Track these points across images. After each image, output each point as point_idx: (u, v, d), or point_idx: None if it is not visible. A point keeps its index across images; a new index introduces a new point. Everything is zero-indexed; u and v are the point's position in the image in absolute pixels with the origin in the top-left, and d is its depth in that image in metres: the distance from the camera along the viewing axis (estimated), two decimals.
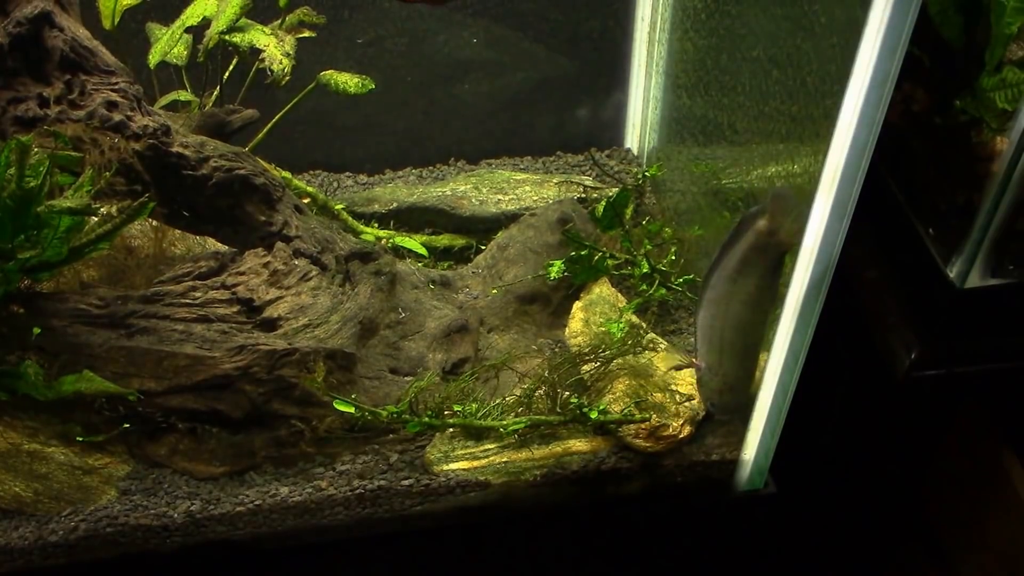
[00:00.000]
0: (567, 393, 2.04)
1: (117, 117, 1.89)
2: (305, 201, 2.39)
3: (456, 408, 2.02)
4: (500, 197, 2.56)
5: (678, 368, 2.03)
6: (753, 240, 1.64)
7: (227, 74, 2.35)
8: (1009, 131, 1.75)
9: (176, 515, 1.94)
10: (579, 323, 2.27)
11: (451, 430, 2.04)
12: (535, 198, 2.56)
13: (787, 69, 1.75)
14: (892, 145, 1.96)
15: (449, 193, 2.58)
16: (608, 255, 2.30)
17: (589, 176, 2.70)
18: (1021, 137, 1.71)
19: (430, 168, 2.80)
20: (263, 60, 2.15)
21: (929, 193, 2.03)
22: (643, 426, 2.00)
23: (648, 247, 2.32)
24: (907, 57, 1.39)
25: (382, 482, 1.99)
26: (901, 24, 1.34)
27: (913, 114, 2.06)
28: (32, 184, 1.69)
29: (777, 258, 1.66)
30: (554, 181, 2.63)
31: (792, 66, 1.73)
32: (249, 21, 2.19)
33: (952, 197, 1.96)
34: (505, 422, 2.01)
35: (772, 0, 1.81)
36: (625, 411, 2.00)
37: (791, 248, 1.63)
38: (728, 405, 1.89)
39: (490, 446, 2.03)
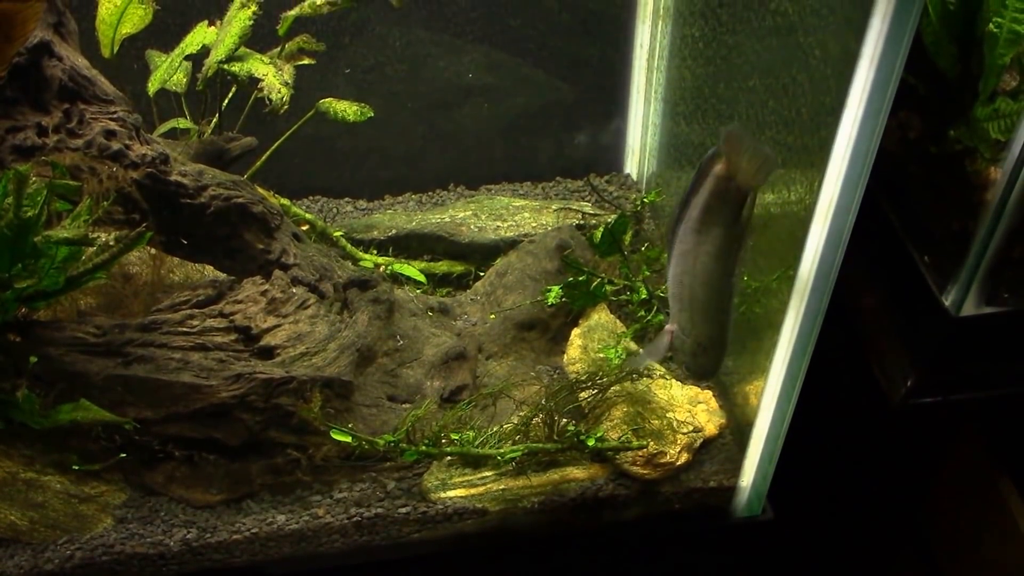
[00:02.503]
0: (565, 420, 2.04)
1: (115, 146, 1.90)
2: (304, 228, 2.39)
3: (453, 436, 2.02)
4: (499, 224, 2.57)
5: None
6: (713, 186, 1.57)
7: (226, 102, 2.35)
8: (1003, 161, 1.76)
9: (172, 543, 1.94)
10: (577, 350, 2.27)
11: (448, 458, 2.04)
12: (534, 224, 2.56)
13: (783, 99, 1.76)
14: (888, 172, 1.98)
15: (448, 220, 2.58)
16: (606, 281, 2.31)
17: (588, 202, 2.71)
18: (1014, 167, 1.71)
19: (429, 194, 2.80)
20: (262, 89, 2.16)
21: (925, 221, 2.03)
22: (640, 453, 2.00)
23: (647, 273, 2.33)
24: (902, 85, 1.40)
25: (379, 510, 1.99)
26: (894, 57, 1.36)
27: (909, 142, 2.07)
28: (30, 213, 1.70)
29: (739, 204, 1.58)
30: (553, 207, 2.63)
31: (787, 96, 1.74)
32: (248, 50, 2.20)
33: (947, 225, 1.97)
34: (503, 450, 2.01)
35: (768, 31, 1.82)
36: (622, 438, 2.00)
37: (753, 189, 1.57)
38: (704, 368, 1.80)
39: (488, 473, 2.03)
